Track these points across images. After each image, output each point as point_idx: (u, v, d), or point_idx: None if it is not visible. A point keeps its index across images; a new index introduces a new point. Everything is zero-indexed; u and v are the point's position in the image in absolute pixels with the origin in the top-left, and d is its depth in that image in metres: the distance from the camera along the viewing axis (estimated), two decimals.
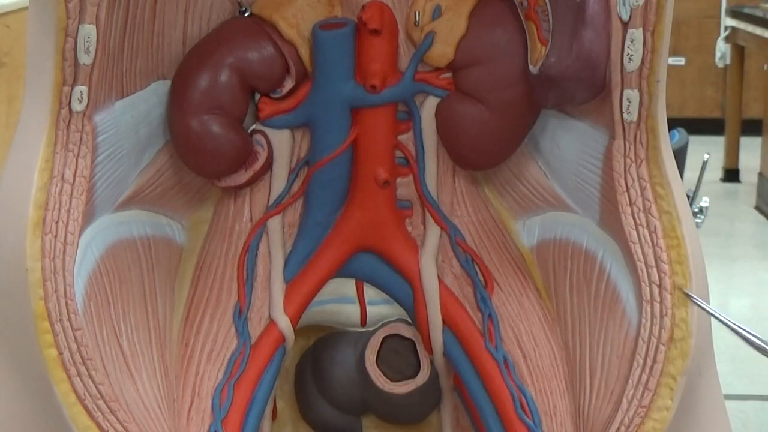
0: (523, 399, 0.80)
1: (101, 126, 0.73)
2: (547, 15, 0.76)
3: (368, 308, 0.89)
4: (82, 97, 0.70)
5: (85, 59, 0.69)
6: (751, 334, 0.55)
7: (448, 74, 0.83)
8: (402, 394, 0.87)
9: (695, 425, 0.75)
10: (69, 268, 0.69)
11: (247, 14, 0.83)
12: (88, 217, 0.73)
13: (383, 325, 0.89)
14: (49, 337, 0.68)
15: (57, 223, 0.69)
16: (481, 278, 0.85)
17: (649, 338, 0.72)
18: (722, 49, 5.02)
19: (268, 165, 0.85)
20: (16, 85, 2.53)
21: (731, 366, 2.85)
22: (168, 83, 0.82)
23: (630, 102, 0.73)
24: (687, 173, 2.46)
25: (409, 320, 0.87)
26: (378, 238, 0.86)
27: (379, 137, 0.84)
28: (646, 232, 0.73)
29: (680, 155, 2.33)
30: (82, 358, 0.69)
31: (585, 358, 0.77)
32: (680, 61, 5.63)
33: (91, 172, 0.72)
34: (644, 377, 0.72)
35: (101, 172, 0.74)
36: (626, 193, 0.74)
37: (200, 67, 0.81)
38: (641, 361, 0.72)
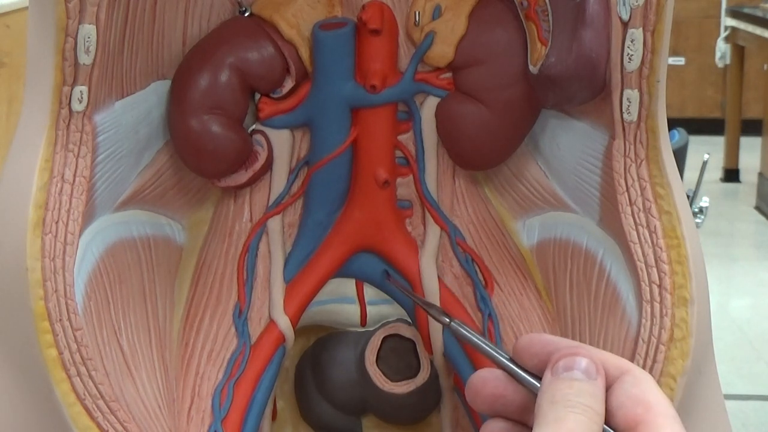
0: None
1: (101, 126, 0.73)
2: (547, 15, 0.76)
3: (368, 308, 0.89)
4: (82, 97, 0.70)
5: (85, 59, 0.69)
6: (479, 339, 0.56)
7: (448, 74, 0.83)
8: (402, 394, 0.87)
9: (695, 425, 0.75)
10: (69, 268, 0.69)
11: (247, 14, 0.83)
12: (88, 217, 0.73)
13: (383, 325, 0.89)
14: (49, 337, 0.68)
15: (57, 223, 0.69)
16: (481, 278, 0.85)
17: (649, 338, 0.72)
18: (722, 49, 5.02)
19: (268, 165, 0.85)
20: (16, 85, 2.54)
21: (731, 366, 2.85)
22: (168, 83, 0.82)
23: (630, 102, 0.73)
24: (687, 173, 2.46)
25: (409, 320, 0.87)
26: (378, 238, 0.86)
27: (379, 137, 0.84)
28: (646, 232, 0.73)
29: (680, 155, 2.33)
30: (82, 358, 0.69)
31: None
32: (680, 61, 5.64)
33: (91, 172, 0.72)
34: None
35: (101, 172, 0.74)
36: (626, 193, 0.74)
37: (200, 67, 0.81)
38: (641, 361, 0.72)
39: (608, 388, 0.49)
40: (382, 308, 0.88)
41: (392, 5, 0.83)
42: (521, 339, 0.51)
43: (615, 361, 0.50)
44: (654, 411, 0.47)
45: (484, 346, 0.53)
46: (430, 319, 0.85)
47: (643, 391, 0.48)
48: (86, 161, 0.71)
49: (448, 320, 0.57)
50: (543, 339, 0.51)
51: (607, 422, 0.48)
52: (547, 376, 0.49)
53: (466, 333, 0.55)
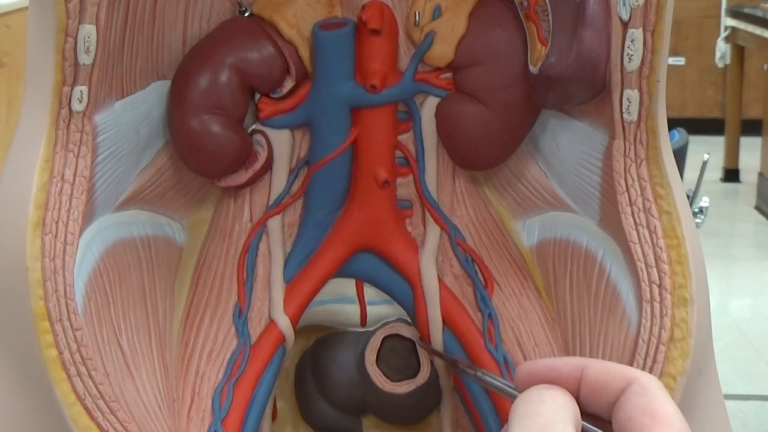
0: None
1: (101, 126, 0.73)
2: (547, 15, 0.76)
3: (368, 308, 0.89)
4: (82, 97, 0.70)
5: (85, 59, 0.69)
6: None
7: (448, 74, 0.83)
8: (402, 394, 0.87)
9: (695, 425, 0.75)
10: (69, 268, 0.69)
11: (247, 14, 0.83)
12: (88, 217, 0.73)
13: (383, 325, 0.89)
14: (49, 337, 0.68)
15: (57, 223, 0.69)
16: (481, 278, 0.85)
17: (649, 338, 0.72)
18: (722, 49, 5.03)
19: (268, 165, 0.85)
20: (16, 85, 2.54)
21: (731, 366, 2.86)
22: (168, 83, 0.82)
23: (630, 102, 0.73)
24: (687, 173, 2.47)
25: (409, 320, 0.87)
26: (378, 238, 0.86)
27: (379, 137, 0.84)
28: (646, 232, 0.73)
29: (680, 155, 2.33)
30: (82, 358, 0.69)
31: None
32: (680, 61, 5.64)
33: (91, 172, 0.72)
34: None
35: (101, 172, 0.74)
36: (626, 193, 0.74)
37: (200, 67, 0.81)
38: (641, 362, 0.72)
39: (616, 400, 0.48)
40: (382, 308, 0.88)
41: (392, 5, 0.83)
42: (520, 371, 0.50)
43: (621, 371, 0.49)
44: (661, 422, 0.46)
45: (512, 391, 0.54)
46: (430, 318, 0.85)
47: (650, 400, 0.47)
48: (86, 161, 0.71)
49: (473, 372, 0.59)
50: (543, 366, 0.50)
51: None
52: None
53: (492, 380, 0.56)
